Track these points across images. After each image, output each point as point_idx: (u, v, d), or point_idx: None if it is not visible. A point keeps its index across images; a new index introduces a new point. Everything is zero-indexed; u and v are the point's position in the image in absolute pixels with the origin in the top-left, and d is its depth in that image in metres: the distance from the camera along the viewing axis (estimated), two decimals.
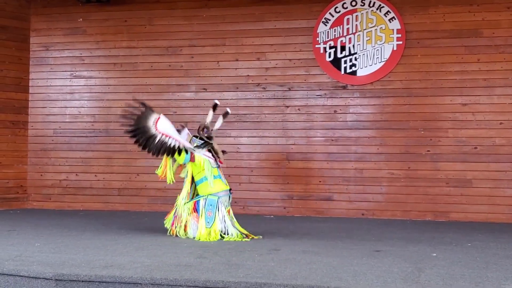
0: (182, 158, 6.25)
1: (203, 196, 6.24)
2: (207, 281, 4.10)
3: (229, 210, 6.33)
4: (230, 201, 6.37)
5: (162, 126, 6.17)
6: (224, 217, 6.19)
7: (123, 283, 4.20)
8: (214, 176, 6.28)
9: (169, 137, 6.14)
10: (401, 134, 8.58)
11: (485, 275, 4.39)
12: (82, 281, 4.25)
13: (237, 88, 9.11)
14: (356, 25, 8.72)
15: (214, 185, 6.24)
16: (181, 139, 6.26)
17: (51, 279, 4.29)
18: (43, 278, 4.32)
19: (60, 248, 5.47)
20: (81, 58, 9.61)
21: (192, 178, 6.35)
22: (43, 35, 9.72)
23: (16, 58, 9.59)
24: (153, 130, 6.14)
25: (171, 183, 6.33)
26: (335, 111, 8.80)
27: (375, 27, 8.65)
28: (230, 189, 6.39)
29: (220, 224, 6.14)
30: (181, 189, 6.40)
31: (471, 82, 8.40)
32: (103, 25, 9.56)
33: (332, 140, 8.79)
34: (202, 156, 6.32)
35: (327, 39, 8.80)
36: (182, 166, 6.42)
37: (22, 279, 4.39)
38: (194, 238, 6.13)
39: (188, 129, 6.64)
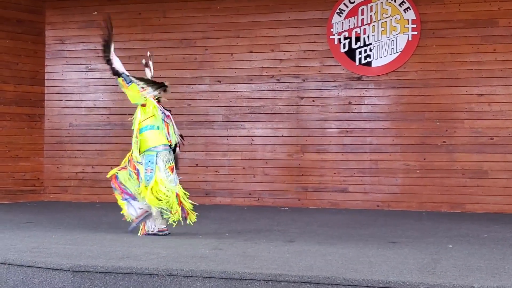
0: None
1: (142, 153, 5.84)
2: (223, 272, 4.12)
3: (171, 167, 5.86)
4: (172, 157, 5.89)
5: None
6: (166, 172, 5.78)
7: (140, 274, 4.23)
8: (157, 127, 5.88)
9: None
10: (417, 125, 8.54)
11: (502, 266, 4.37)
12: (99, 272, 4.28)
13: (251, 80, 9.10)
14: (371, 15, 8.67)
15: (154, 136, 5.84)
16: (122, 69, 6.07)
17: (68, 270, 4.32)
18: (60, 270, 4.35)
19: (77, 240, 5.51)
20: (96, 51, 9.61)
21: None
22: (58, 29, 9.76)
23: (32, 52, 9.65)
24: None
25: None
26: (350, 103, 8.77)
27: (390, 18, 8.60)
28: (171, 145, 5.91)
29: (162, 180, 5.74)
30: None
31: (487, 73, 8.33)
32: (118, 18, 9.54)
33: (347, 131, 8.76)
34: (153, 100, 5.91)
35: (341, 30, 8.76)
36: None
37: (39, 271, 4.43)
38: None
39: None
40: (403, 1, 8.56)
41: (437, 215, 7.89)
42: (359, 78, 8.74)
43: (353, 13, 8.72)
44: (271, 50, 9.05)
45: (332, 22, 8.80)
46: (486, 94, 8.33)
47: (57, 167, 9.71)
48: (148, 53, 6.30)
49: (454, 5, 8.47)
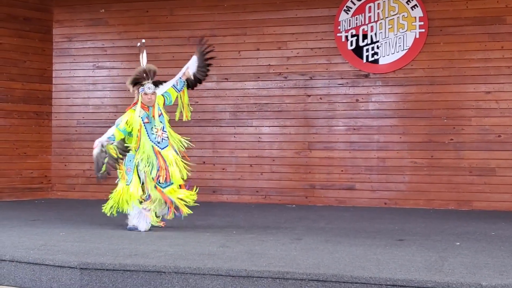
0: (120, 134, 5.93)
1: None
2: (230, 270, 4.12)
3: None
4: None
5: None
6: None
7: (147, 272, 4.24)
8: None
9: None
10: (424, 122, 8.52)
11: (509, 263, 4.36)
12: (107, 269, 4.30)
13: (258, 77, 9.10)
14: (378, 13, 8.65)
15: None
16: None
17: (76, 268, 4.34)
18: (68, 267, 4.37)
19: (85, 237, 5.53)
20: (104, 49, 9.66)
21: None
22: (66, 26, 9.79)
23: (40, 50, 9.68)
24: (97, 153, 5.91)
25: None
26: (357, 100, 8.76)
27: (397, 15, 8.58)
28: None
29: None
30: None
31: (495, 70, 8.31)
32: (125, 16, 9.60)
33: (354, 129, 8.75)
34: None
35: (348, 28, 8.75)
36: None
37: (47, 268, 4.45)
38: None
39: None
40: None
41: (445, 213, 7.87)
42: (366, 76, 8.73)
43: (360, 10, 8.70)
44: (278, 47, 9.05)
45: (339, 20, 8.79)
46: (494, 92, 8.30)
47: (65, 165, 9.74)
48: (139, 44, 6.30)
49: (461, 2, 8.44)
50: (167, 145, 5.99)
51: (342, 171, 8.77)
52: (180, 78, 6.26)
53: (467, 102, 8.40)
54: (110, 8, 9.66)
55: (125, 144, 5.99)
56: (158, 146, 5.93)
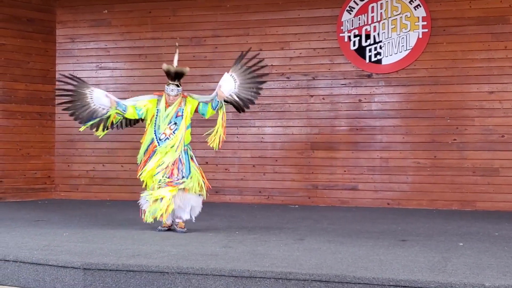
0: (133, 114, 6.15)
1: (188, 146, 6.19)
2: (233, 270, 4.13)
3: None
4: None
5: (96, 96, 6.19)
6: None
7: (150, 272, 4.25)
8: None
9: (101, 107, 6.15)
10: (427, 122, 8.51)
11: None
12: (110, 270, 4.30)
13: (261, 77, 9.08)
14: (381, 13, 8.64)
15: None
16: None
17: (79, 268, 4.35)
18: (71, 267, 4.38)
19: (88, 238, 5.54)
20: (106, 49, 9.67)
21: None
22: (69, 27, 9.80)
23: (43, 50, 9.69)
24: (88, 99, 6.23)
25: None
26: (360, 100, 8.75)
27: (400, 15, 8.57)
28: None
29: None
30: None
31: (498, 70, 8.29)
32: (128, 17, 9.61)
33: (357, 129, 8.75)
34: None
35: (351, 28, 8.75)
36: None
37: (50, 268, 4.46)
38: None
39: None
40: None
41: (448, 213, 7.87)
42: (369, 76, 8.72)
43: (363, 10, 8.70)
44: (280, 48, 9.04)
45: (342, 20, 8.78)
46: (497, 92, 8.29)
47: (68, 165, 9.75)
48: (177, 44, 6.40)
49: (464, 2, 8.43)
50: (167, 144, 6.01)
51: (345, 171, 8.77)
52: (215, 98, 6.10)
53: (470, 102, 8.39)
54: (113, 9, 9.67)
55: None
56: (157, 142, 6.04)
